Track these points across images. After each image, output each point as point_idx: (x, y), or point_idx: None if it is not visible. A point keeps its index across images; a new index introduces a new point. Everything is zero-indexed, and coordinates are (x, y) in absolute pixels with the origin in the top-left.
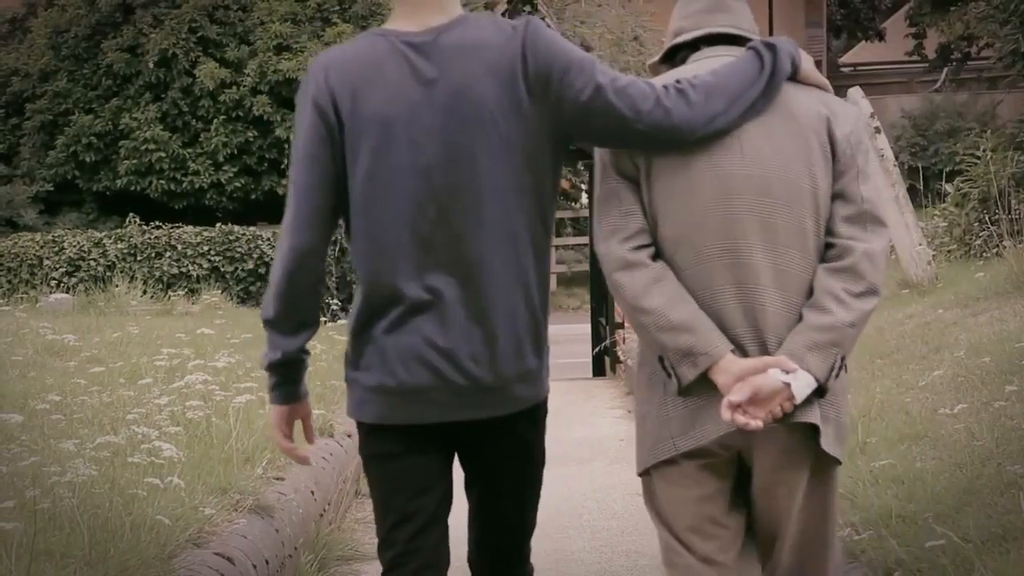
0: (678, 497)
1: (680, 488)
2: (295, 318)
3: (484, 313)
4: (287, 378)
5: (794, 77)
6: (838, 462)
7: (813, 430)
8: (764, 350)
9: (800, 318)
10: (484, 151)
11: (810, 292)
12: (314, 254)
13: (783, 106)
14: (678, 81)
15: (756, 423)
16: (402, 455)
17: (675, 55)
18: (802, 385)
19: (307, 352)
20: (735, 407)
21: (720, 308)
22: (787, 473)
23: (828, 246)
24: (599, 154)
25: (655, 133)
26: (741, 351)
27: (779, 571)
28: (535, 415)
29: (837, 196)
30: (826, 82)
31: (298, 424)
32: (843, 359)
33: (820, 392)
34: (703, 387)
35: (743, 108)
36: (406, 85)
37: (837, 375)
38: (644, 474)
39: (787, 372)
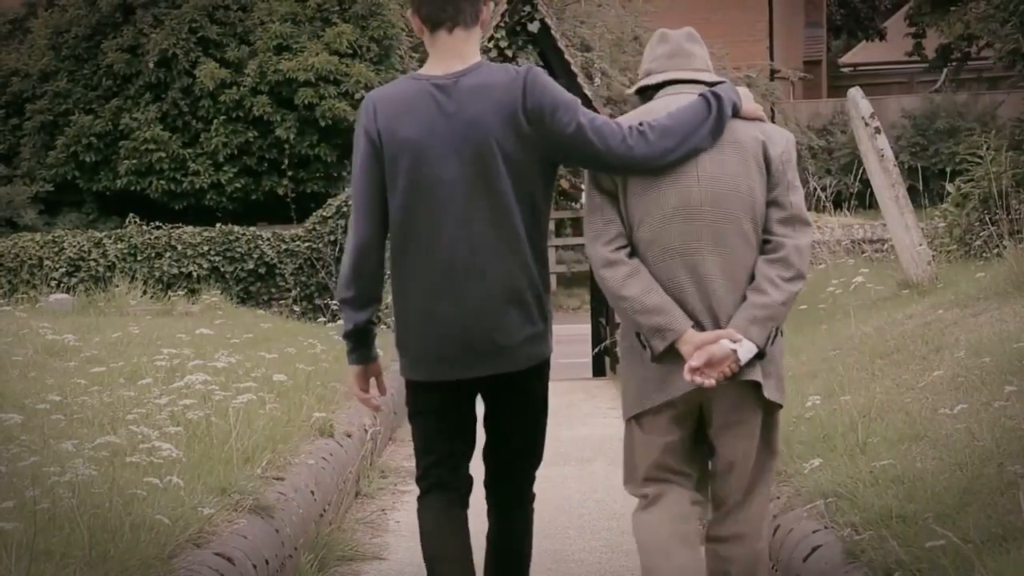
0: (649, 442)
1: (652, 435)
2: (363, 296)
3: (495, 293)
4: (360, 343)
5: (736, 115)
6: (780, 406)
7: (756, 385)
8: (716, 325)
9: (744, 299)
10: (492, 169)
11: (751, 278)
12: (374, 245)
13: (730, 136)
14: (640, 123)
15: (711, 381)
16: (439, 405)
17: (645, 91)
18: (746, 351)
19: (374, 322)
20: (694, 370)
21: (681, 294)
22: (738, 418)
23: (765, 242)
24: (587, 175)
25: (621, 164)
26: (699, 326)
27: (731, 497)
28: (541, 370)
29: (771, 203)
30: (763, 115)
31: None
32: (778, 329)
33: (760, 355)
34: (670, 355)
35: (691, 146)
36: (432, 117)
37: (773, 342)
38: (628, 421)
39: (734, 341)
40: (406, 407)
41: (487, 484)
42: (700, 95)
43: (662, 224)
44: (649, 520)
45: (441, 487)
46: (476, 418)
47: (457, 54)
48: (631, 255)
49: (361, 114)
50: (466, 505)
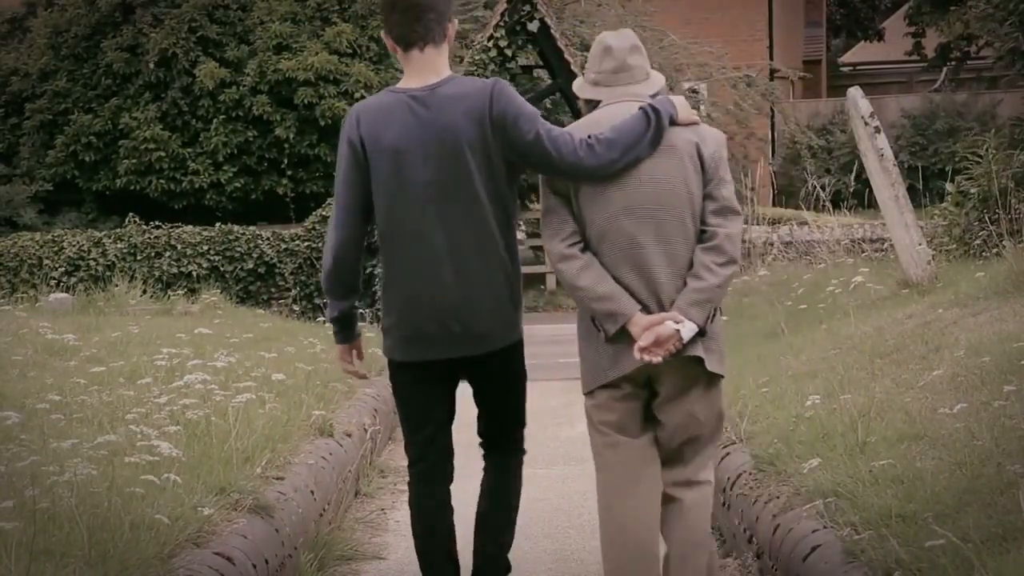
0: (607, 411)
1: (610, 402)
2: (343, 288)
3: (471, 282)
4: (344, 326)
5: (673, 124)
6: (722, 377)
7: (699, 360)
8: (661, 308)
9: (684, 284)
10: (464, 169)
11: (691, 265)
12: (353, 243)
13: (667, 141)
14: (590, 137)
15: (657, 358)
16: (418, 383)
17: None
18: (688, 331)
19: (356, 308)
20: (643, 349)
21: (628, 282)
22: (685, 389)
23: (702, 232)
24: (541, 178)
25: (571, 171)
26: (645, 310)
27: (679, 455)
28: (515, 349)
29: (706, 197)
30: (697, 119)
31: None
32: (716, 309)
33: (702, 333)
34: (622, 336)
35: (633, 156)
36: (409, 125)
37: (712, 320)
38: (588, 393)
39: (677, 322)
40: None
41: (483, 446)
42: (641, 108)
43: (609, 221)
44: (614, 506)
45: (423, 462)
46: (454, 394)
47: (431, 68)
48: (584, 249)
49: (345, 124)
50: (448, 477)
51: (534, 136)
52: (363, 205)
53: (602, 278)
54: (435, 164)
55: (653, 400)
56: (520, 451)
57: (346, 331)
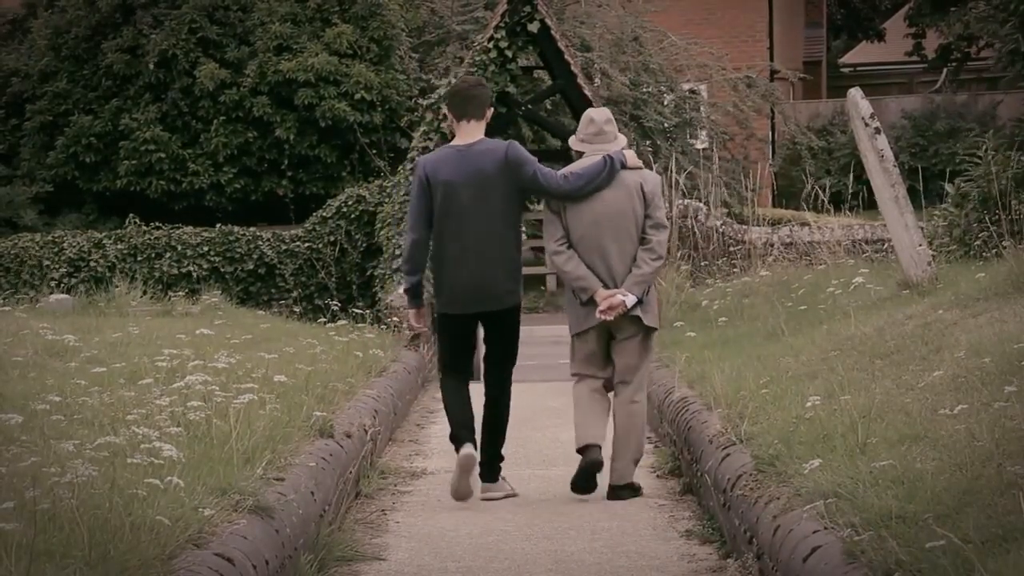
0: (583, 348)
1: (585, 344)
2: (415, 268)
3: (491, 264)
4: (414, 295)
5: (624, 167)
6: (655, 329)
7: (638, 318)
8: (615, 285)
9: (630, 271)
10: (488, 195)
11: (634, 259)
12: (423, 241)
13: (620, 180)
14: (566, 174)
15: (610, 317)
16: (455, 327)
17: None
18: (631, 300)
19: (422, 283)
20: (603, 311)
21: (595, 267)
22: (629, 335)
23: (642, 238)
24: (544, 201)
25: (555, 193)
26: (605, 286)
27: (624, 380)
28: (516, 310)
29: (646, 217)
30: (640, 165)
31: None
32: (649, 287)
33: (640, 301)
34: (590, 302)
35: (594, 186)
36: (456, 167)
37: (647, 294)
38: (572, 337)
39: (624, 295)
40: (435, 330)
41: (485, 379)
42: (602, 157)
43: (584, 229)
44: (580, 388)
45: (454, 370)
46: (477, 335)
47: (472, 134)
48: (569, 247)
49: (417, 167)
50: (468, 383)
51: (532, 173)
52: (428, 217)
53: (579, 266)
54: (471, 191)
55: (611, 342)
56: (509, 384)
57: (416, 299)
